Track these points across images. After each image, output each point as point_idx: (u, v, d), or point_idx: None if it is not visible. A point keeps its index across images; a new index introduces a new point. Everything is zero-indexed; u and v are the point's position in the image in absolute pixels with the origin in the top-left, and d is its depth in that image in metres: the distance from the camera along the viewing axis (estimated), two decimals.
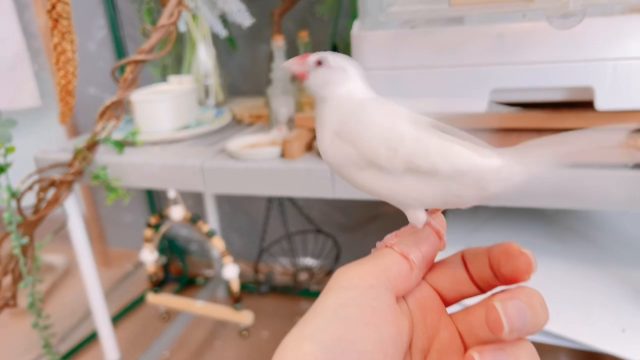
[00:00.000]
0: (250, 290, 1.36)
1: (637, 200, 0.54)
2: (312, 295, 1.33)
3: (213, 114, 0.97)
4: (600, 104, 0.54)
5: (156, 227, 1.03)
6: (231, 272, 0.92)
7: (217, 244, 0.91)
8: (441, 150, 0.24)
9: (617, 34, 0.51)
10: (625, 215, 0.80)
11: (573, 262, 0.70)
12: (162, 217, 1.01)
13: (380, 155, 0.25)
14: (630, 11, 0.50)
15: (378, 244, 0.27)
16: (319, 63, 0.28)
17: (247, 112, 0.95)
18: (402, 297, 0.25)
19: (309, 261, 1.31)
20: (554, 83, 0.55)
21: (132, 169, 0.79)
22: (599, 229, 0.78)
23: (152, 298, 1.08)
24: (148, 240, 1.01)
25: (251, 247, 1.38)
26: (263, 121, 0.93)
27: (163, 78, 1.06)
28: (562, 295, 0.65)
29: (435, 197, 0.25)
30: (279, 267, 1.36)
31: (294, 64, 0.28)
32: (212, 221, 1.30)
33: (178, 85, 0.95)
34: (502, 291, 0.24)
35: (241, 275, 1.11)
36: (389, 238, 0.27)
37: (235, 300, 0.95)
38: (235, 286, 0.93)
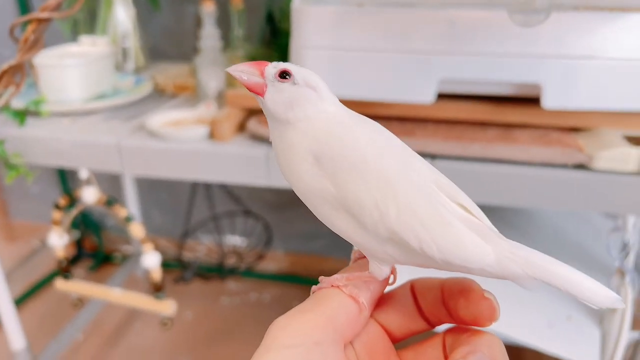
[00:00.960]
0: (172, 267, 1.28)
1: (574, 199, 0.54)
2: (239, 274, 1.28)
3: (132, 81, 0.87)
4: (546, 102, 0.52)
5: (66, 208, 0.92)
6: (151, 260, 0.84)
7: (136, 231, 0.83)
8: (434, 234, 0.20)
9: (569, 31, 0.49)
10: (561, 213, 0.82)
11: None
12: (73, 199, 0.91)
13: (364, 214, 0.21)
14: (584, 8, 0.48)
15: (322, 279, 0.23)
16: (283, 76, 0.22)
17: (171, 81, 0.86)
18: (349, 343, 0.23)
19: (237, 240, 1.25)
20: (502, 77, 0.53)
21: (36, 144, 0.70)
22: (535, 224, 0.79)
23: (62, 285, 0.98)
24: (57, 223, 0.91)
25: (174, 224, 1.30)
26: (189, 93, 0.85)
27: (73, 36, 0.93)
28: (494, 291, 0.66)
29: (414, 263, 0.22)
30: (205, 249, 1.29)
31: (245, 73, 0.22)
32: (130, 197, 1.20)
33: (91, 47, 0.84)
34: (457, 332, 0.22)
35: (163, 253, 1.04)
36: (338, 279, 0.23)
37: (157, 289, 0.88)
38: (157, 275, 0.86)
